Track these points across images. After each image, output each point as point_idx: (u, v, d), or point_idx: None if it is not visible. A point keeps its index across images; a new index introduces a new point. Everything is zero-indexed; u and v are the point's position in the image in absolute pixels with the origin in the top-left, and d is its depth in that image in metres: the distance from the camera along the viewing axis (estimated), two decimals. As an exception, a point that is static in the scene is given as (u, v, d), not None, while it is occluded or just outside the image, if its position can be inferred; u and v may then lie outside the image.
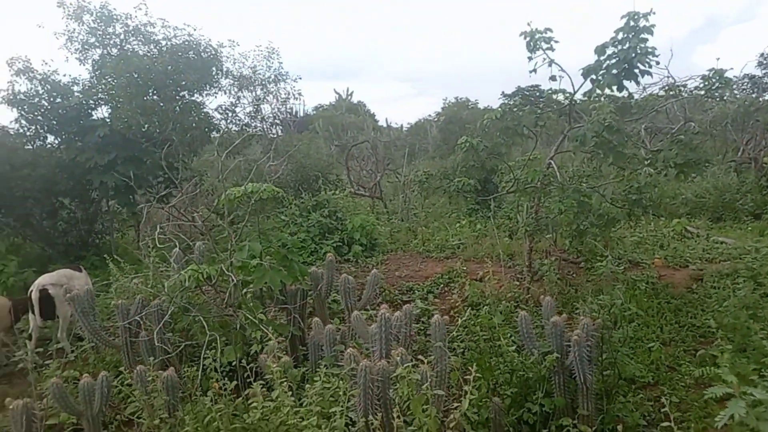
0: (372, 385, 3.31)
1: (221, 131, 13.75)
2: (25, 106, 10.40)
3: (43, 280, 6.91)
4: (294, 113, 23.86)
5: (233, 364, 4.99)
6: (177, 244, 6.09)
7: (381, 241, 11.69)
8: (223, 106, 13.78)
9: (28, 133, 11.10)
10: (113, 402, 5.05)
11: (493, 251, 9.48)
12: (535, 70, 6.27)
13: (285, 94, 14.31)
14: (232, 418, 3.57)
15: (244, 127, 14.11)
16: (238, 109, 14.03)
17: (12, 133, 11.22)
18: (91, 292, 5.98)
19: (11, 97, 10.28)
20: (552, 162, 6.58)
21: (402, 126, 35.58)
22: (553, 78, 6.27)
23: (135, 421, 5.08)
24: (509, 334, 5.14)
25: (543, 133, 6.83)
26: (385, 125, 34.03)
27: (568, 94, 6.57)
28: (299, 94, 14.99)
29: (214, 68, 12.47)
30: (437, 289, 8.73)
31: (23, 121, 10.77)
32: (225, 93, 13.63)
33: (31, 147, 11.43)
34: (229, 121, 13.94)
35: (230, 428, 3.44)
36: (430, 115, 33.72)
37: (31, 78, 10.48)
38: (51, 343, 7.13)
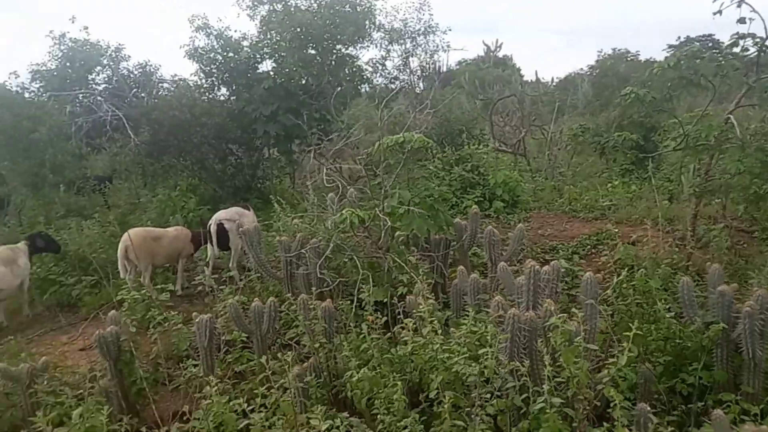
0: (519, 333, 3.36)
1: (371, 85, 14.15)
2: (203, 60, 11.57)
3: (220, 215, 7.83)
4: (438, 68, 23.71)
5: (380, 303, 5.32)
6: (340, 185, 6.45)
7: (524, 199, 11.41)
8: (374, 60, 14.11)
9: (205, 85, 12.38)
10: (275, 326, 5.65)
11: (649, 214, 8.81)
12: (720, 12, 5.57)
13: (434, 46, 14.24)
14: (383, 350, 3.85)
15: (392, 80, 14.35)
16: (387, 63, 14.28)
17: (192, 85, 12.61)
18: (258, 228, 6.67)
19: (192, 52, 11.48)
20: (731, 117, 5.88)
21: (552, 79, 33.65)
22: (742, 20, 5.53)
23: (293, 345, 5.66)
24: (666, 301, 4.83)
25: (719, 86, 6.05)
26: (531, 80, 32.42)
27: (758, 39, 5.77)
28: (448, 46, 14.81)
29: (367, 21, 12.77)
30: (583, 250, 8.39)
31: (201, 74, 12.01)
32: (376, 46, 13.93)
33: (206, 98, 12.79)
34: (378, 74, 14.25)
35: (382, 358, 3.72)
36: (581, 69, 31.43)
37: (208, 34, 11.59)
38: (223, 271, 8.13)
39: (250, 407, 3.05)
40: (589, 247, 8.49)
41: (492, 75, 28.42)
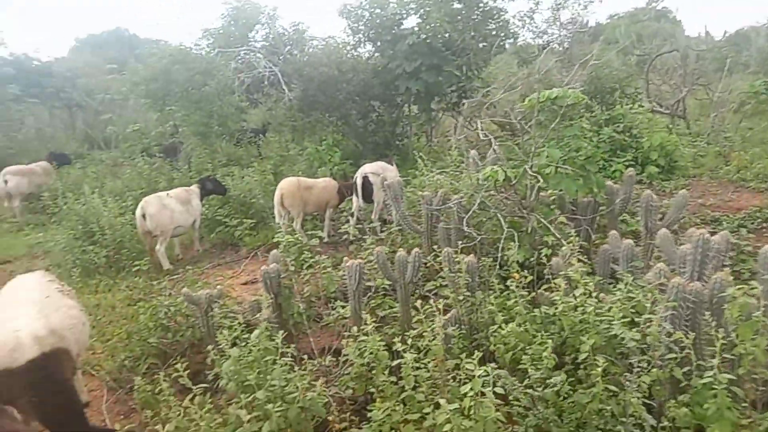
0: (683, 303, 3.15)
1: (516, 39, 13.57)
2: (352, 17, 11.86)
3: (366, 168, 8.17)
4: (585, 23, 22.00)
5: (521, 263, 5.26)
6: (490, 140, 6.38)
7: (682, 164, 10.42)
8: (521, 13, 13.47)
9: (351, 42, 12.72)
10: (418, 277, 5.84)
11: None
12: None
13: (587, -3, 13.21)
14: (528, 308, 3.83)
15: (539, 35, 13.63)
16: (536, 16, 13.57)
17: (339, 42, 13.04)
18: (400, 182, 6.86)
19: (342, 9, 11.83)
20: None
21: (724, 33, 29.70)
22: None
23: (431, 297, 5.81)
24: None
25: None
26: (698, 34, 28.88)
27: None
28: (603, -4, 13.61)
29: (516, -29, 12.16)
30: (752, 223, 7.53)
31: (349, 31, 12.35)
32: (525, -2, 13.24)
33: (352, 55, 13.17)
34: (525, 28, 13.60)
35: (528, 317, 3.71)
36: (756, 22, 27.29)
37: (358, -10, 11.84)
38: (365, 222, 8.51)
39: (401, 348, 3.23)
40: (759, 220, 7.59)
41: (651, 28, 25.79)
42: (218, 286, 4.89)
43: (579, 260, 3.80)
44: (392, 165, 8.78)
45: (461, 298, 4.29)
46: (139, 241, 8.06)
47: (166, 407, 3.03)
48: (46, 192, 11.49)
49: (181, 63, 10.42)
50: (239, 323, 4.20)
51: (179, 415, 2.84)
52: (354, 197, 8.30)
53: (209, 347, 3.52)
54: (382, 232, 7.86)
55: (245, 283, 6.98)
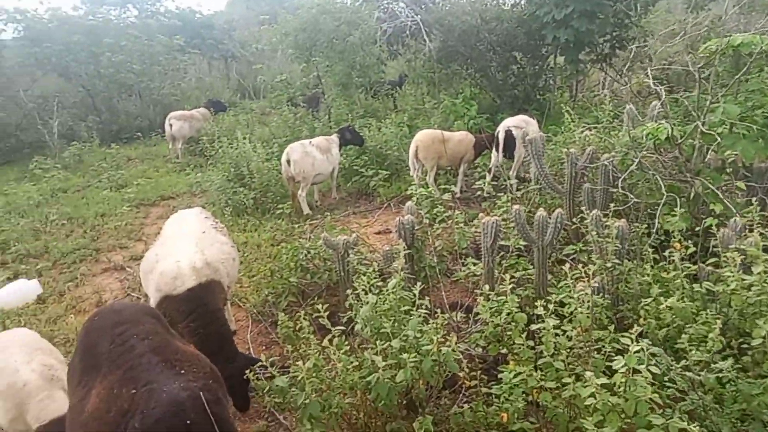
0: None
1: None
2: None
3: (508, 122, 7.80)
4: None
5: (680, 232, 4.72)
6: (661, 92, 5.73)
7: None
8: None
9: (497, -13, 12.06)
10: (558, 239, 5.51)
11: None
12: None
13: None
14: (689, 283, 3.42)
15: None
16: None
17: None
18: (543, 137, 6.44)
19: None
20: None
21: None
22: None
23: (567, 261, 5.47)
24: None
25: None
26: None
27: None
28: None
29: None
30: None
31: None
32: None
33: (496, 2, 12.50)
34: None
35: (689, 292, 3.31)
36: None
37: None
38: (500, 179, 8.20)
39: (543, 312, 3.05)
40: None
41: None
42: (354, 234, 5.00)
43: (761, 234, 3.28)
44: (534, 119, 8.28)
45: (609, 265, 3.95)
46: (282, 185, 8.53)
47: (306, 344, 3.17)
48: (204, 136, 12.60)
49: (328, 13, 10.59)
50: (374, 270, 4.27)
51: (317, 353, 2.95)
52: (493, 152, 8.00)
53: (347, 291, 3.59)
54: (518, 190, 7.53)
55: (378, 233, 7.11)
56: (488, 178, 7.92)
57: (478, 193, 7.50)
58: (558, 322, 2.98)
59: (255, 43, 24.86)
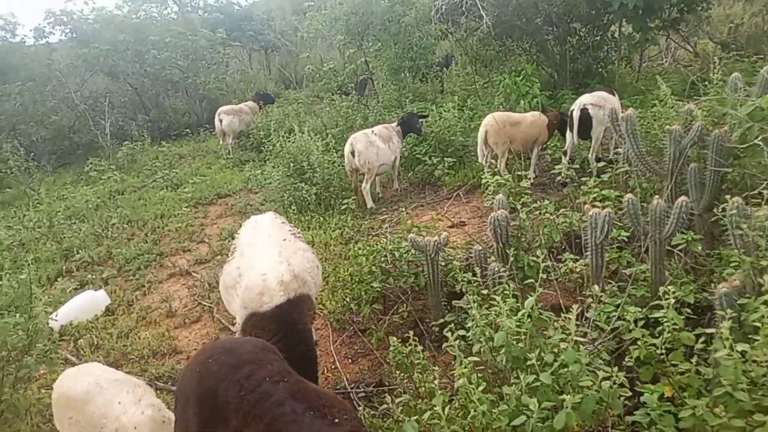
0: None
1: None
2: None
3: (584, 99, 7.14)
4: None
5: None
6: None
7: None
8: None
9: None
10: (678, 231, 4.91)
11: None
12: None
13: None
14: None
15: None
16: None
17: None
18: (633, 114, 5.78)
19: None
20: None
21: None
22: None
23: (678, 256, 4.89)
24: None
25: None
26: None
27: None
28: None
29: None
30: None
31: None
32: None
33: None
34: None
35: None
36: None
37: None
38: (575, 162, 7.55)
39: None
40: None
41: None
42: (444, 233, 4.52)
43: None
44: (614, 95, 7.57)
45: (749, 261, 3.35)
46: (343, 178, 8.13)
47: (421, 372, 2.74)
48: (254, 130, 12.34)
49: (383, -5, 10.09)
50: (475, 280, 3.83)
51: (445, 389, 2.51)
52: (568, 133, 7.37)
53: (437, 296, 3.13)
54: (605, 173, 6.87)
55: (452, 226, 6.63)
56: (565, 161, 7.31)
57: (558, 178, 6.89)
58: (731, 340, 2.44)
59: (295, 33, 24.58)
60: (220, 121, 12.11)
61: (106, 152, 13.10)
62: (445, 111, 8.88)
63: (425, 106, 10.55)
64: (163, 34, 15.94)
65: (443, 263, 4.59)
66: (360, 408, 3.82)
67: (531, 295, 3.45)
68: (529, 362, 2.26)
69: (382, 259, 4.85)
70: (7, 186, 11.42)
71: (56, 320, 4.37)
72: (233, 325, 5.16)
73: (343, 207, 7.31)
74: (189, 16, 19.74)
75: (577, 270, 4.65)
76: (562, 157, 7.38)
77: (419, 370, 2.80)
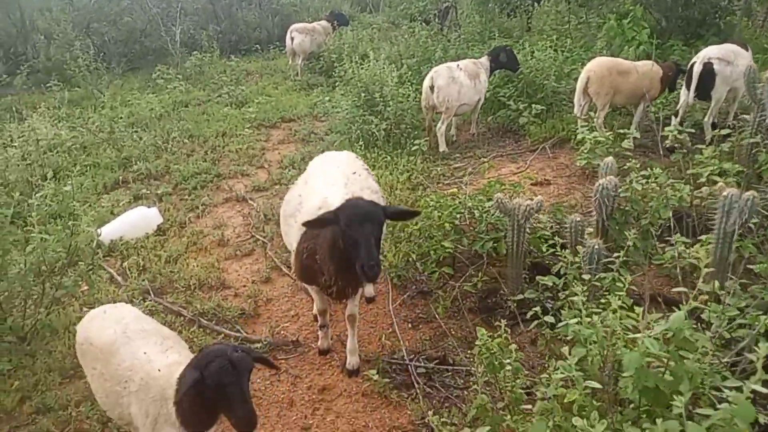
0: None
1: None
2: None
3: (710, 52, 6.04)
4: None
5: None
6: None
7: None
8: None
9: None
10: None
11: None
12: None
13: None
14: None
15: None
16: None
17: None
18: None
19: None
20: None
21: None
22: None
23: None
24: None
25: None
26: None
27: None
28: None
29: None
30: None
31: None
32: None
33: None
34: None
35: None
36: None
37: None
38: (684, 125, 6.52)
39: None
40: None
41: None
42: (539, 197, 3.85)
43: None
44: (747, 50, 6.40)
45: None
46: (416, 115, 7.43)
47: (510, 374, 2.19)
48: (324, 52, 11.63)
49: None
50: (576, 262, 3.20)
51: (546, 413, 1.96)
52: (683, 89, 6.32)
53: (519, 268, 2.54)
54: (723, 141, 5.87)
55: (535, 184, 5.90)
56: (675, 122, 6.31)
57: (667, 142, 5.96)
58: None
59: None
60: (292, 39, 11.43)
61: (175, 60, 12.74)
62: (537, 50, 7.88)
63: (512, 44, 9.52)
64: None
65: (529, 231, 3.95)
66: (419, 386, 3.38)
67: (624, 278, 2.84)
68: (673, 405, 1.66)
69: (458, 215, 4.24)
70: (77, 85, 11.27)
71: (101, 236, 4.04)
72: (286, 265, 4.77)
73: (413, 148, 6.66)
74: None
75: (696, 258, 3.93)
76: (672, 118, 6.38)
77: (507, 372, 2.25)
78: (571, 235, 3.81)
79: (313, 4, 16.47)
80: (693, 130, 5.92)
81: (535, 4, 12.83)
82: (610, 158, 3.99)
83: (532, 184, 5.82)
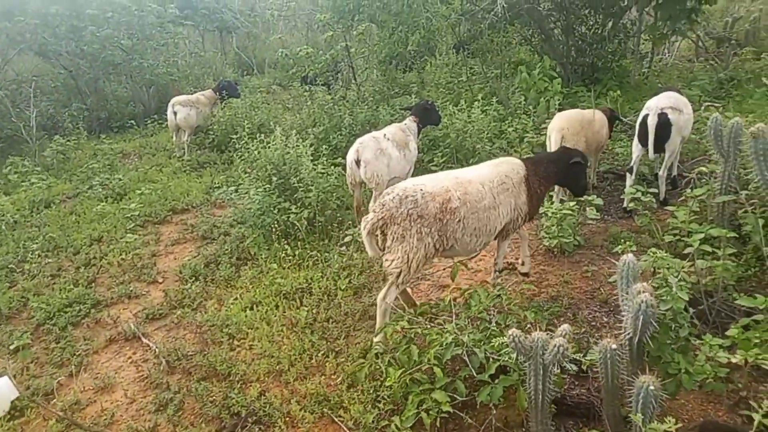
0: None
1: None
2: None
3: (660, 102, 5.57)
4: None
5: None
6: None
7: None
8: None
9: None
10: None
11: None
12: None
13: None
14: None
15: None
16: None
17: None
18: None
19: None
20: None
21: None
22: None
23: None
24: None
25: None
26: None
27: None
28: None
29: None
30: None
31: None
32: None
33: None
34: None
35: None
36: None
37: None
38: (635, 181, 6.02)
39: None
40: None
41: None
42: (564, 325, 2.83)
43: None
44: (683, 95, 6.07)
45: None
46: (341, 197, 6.35)
47: None
48: (214, 125, 10.33)
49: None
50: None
51: None
52: (634, 143, 5.82)
53: None
54: (687, 197, 5.34)
55: (499, 270, 4.97)
56: (630, 180, 5.78)
57: (630, 205, 5.36)
58: None
59: (252, 13, 22.21)
60: (175, 113, 9.99)
61: (32, 148, 10.73)
62: (461, 111, 7.19)
63: (413, 100, 8.88)
64: (103, 7, 13.50)
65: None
66: None
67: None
68: None
69: (450, 351, 3.13)
70: None
71: None
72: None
73: (345, 238, 5.54)
74: (135, -13, 17.13)
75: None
76: (628, 175, 5.84)
77: None
78: (606, 369, 2.86)
79: (193, 72, 15.09)
80: (656, 190, 5.40)
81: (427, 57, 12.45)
82: (631, 257, 3.09)
83: (499, 271, 4.88)
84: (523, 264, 4.78)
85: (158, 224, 7.25)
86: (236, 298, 5.05)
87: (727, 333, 3.26)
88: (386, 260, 3.76)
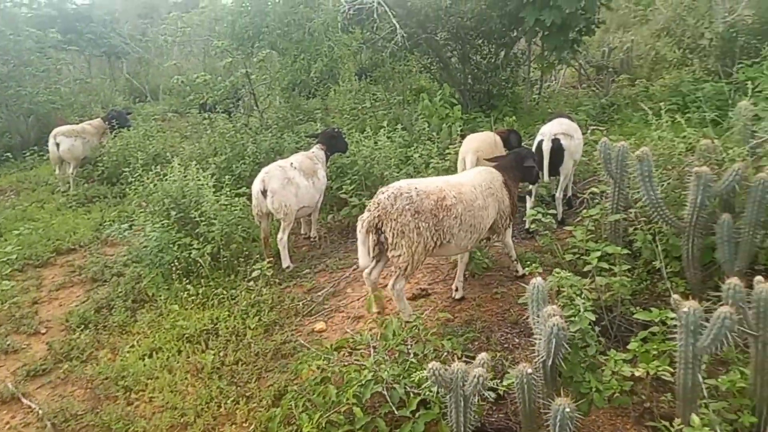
0: None
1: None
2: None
3: (553, 128, 5.87)
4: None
5: None
6: None
7: None
8: None
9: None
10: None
11: None
12: None
13: None
14: None
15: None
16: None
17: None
18: (650, 153, 4.62)
19: None
20: None
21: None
22: None
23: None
24: None
25: None
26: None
27: None
28: None
29: None
30: None
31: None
32: None
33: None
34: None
35: None
36: None
37: None
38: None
39: None
40: None
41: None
42: (482, 354, 2.81)
43: None
44: (574, 122, 6.47)
45: None
46: (246, 229, 6.07)
47: None
48: (104, 155, 9.61)
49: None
50: None
51: None
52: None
53: None
54: (578, 218, 5.67)
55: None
56: (530, 203, 6.03)
57: (532, 227, 5.57)
58: None
59: (143, 38, 21.25)
60: (57, 145, 9.19)
61: None
62: (367, 138, 7.18)
63: (316, 127, 8.82)
64: (-28, 30, 12.28)
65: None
66: None
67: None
68: None
69: (369, 390, 3.01)
70: None
71: None
72: None
73: (254, 273, 5.27)
74: (11, 11, 15.69)
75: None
76: (528, 198, 6.09)
77: None
78: (524, 394, 2.87)
79: (78, 99, 14.06)
80: (554, 211, 5.66)
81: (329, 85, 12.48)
82: (539, 279, 3.17)
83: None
84: (456, 290, 4.86)
85: (40, 267, 6.55)
86: (132, 346, 4.62)
87: (628, 347, 3.41)
88: (393, 256, 4.08)
